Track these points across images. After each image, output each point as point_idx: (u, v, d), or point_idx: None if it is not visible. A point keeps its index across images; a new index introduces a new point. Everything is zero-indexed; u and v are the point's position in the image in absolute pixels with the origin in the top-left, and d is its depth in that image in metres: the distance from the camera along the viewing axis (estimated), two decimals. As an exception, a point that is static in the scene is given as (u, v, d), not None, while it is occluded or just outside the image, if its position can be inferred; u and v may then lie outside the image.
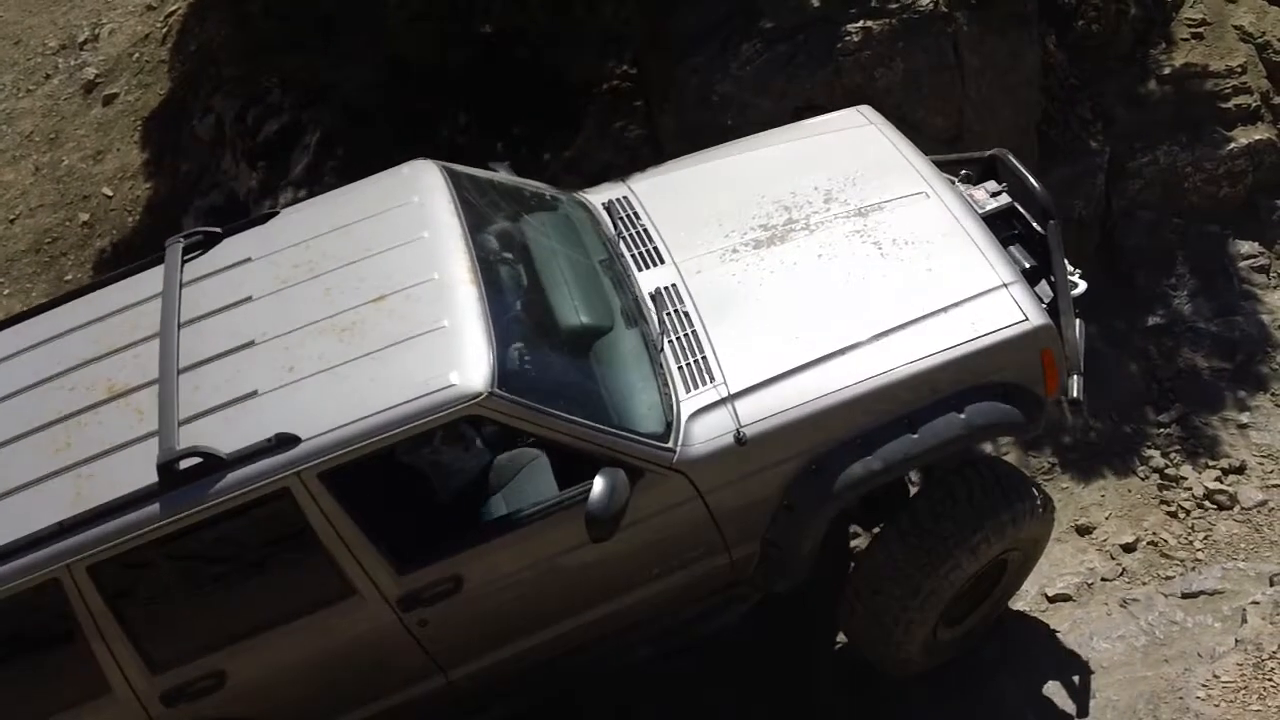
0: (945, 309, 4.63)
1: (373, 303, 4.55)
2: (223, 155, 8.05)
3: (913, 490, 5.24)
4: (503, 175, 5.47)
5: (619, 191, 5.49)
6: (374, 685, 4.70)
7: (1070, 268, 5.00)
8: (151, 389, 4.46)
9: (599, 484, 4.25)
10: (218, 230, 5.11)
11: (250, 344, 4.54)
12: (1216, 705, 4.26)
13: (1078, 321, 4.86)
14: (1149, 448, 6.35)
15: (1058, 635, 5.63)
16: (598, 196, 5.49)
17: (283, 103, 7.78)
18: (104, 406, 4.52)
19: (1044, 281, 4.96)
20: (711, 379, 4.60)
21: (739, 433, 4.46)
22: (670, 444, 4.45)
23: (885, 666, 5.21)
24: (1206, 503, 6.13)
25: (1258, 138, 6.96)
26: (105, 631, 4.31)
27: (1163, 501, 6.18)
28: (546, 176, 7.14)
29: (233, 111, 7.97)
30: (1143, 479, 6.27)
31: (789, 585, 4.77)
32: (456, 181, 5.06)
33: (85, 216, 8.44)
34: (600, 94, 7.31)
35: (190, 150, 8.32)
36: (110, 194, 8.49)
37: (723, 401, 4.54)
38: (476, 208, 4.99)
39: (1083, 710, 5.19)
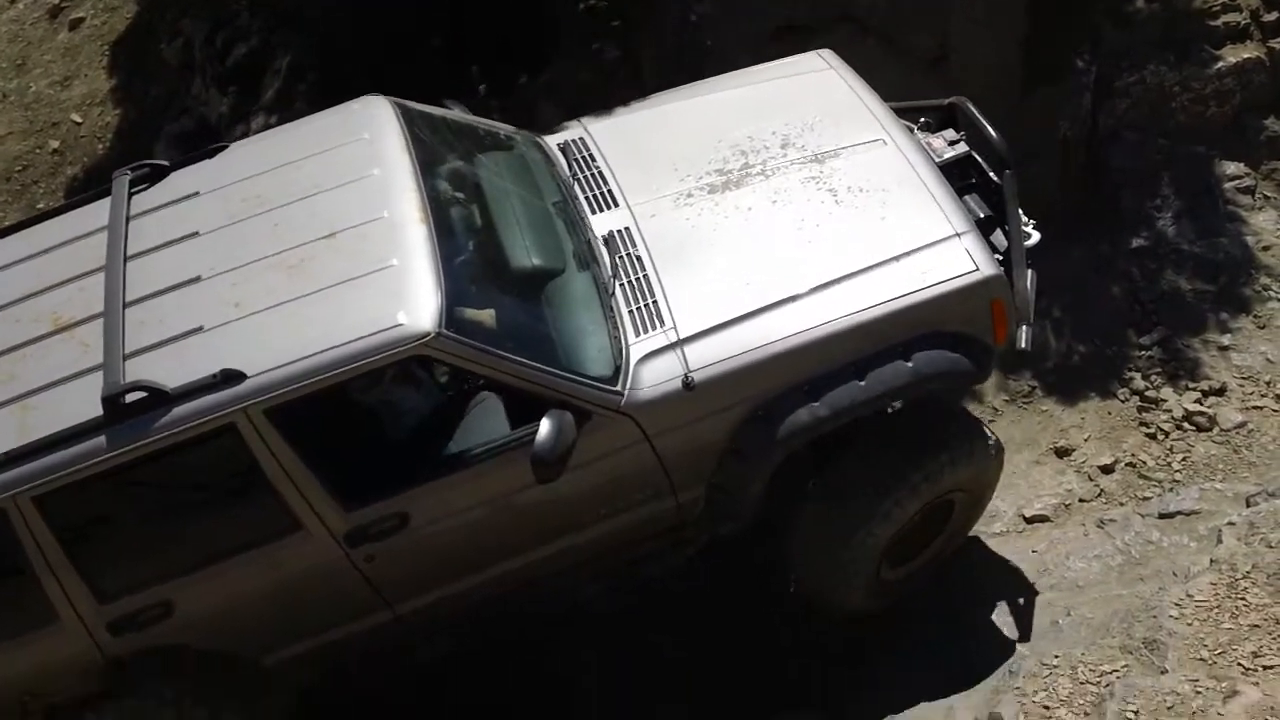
0: (897, 257, 4.62)
1: (321, 240, 4.51)
2: (192, 80, 7.94)
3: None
4: (457, 114, 5.40)
5: (575, 133, 5.43)
6: (321, 618, 4.73)
7: (1025, 218, 4.97)
8: (97, 322, 4.44)
9: (545, 426, 4.25)
10: (165, 164, 5.06)
11: (197, 279, 4.50)
12: (1189, 624, 4.27)
13: (1029, 272, 4.85)
14: (1130, 370, 6.33)
15: (1034, 554, 5.64)
16: (554, 138, 5.44)
17: (251, 25, 7.66)
18: (49, 339, 4.50)
19: (999, 230, 4.94)
20: (662, 323, 4.59)
21: (687, 378, 4.45)
22: (618, 387, 4.44)
23: (830, 607, 5.24)
24: (1186, 424, 6.12)
25: (1246, 56, 6.85)
26: (52, 561, 4.34)
27: (1142, 423, 6.17)
28: (523, 99, 7.03)
29: (201, 34, 7.85)
30: (1123, 401, 6.25)
31: (735, 529, 4.80)
32: (409, 119, 5.00)
33: (55, 144, 8.34)
34: (577, 14, 7.16)
35: (159, 75, 8.21)
36: (79, 120, 8.37)
37: (672, 346, 4.53)
38: (429, 146, 4.94)
39: (1056, 627, 5.20)
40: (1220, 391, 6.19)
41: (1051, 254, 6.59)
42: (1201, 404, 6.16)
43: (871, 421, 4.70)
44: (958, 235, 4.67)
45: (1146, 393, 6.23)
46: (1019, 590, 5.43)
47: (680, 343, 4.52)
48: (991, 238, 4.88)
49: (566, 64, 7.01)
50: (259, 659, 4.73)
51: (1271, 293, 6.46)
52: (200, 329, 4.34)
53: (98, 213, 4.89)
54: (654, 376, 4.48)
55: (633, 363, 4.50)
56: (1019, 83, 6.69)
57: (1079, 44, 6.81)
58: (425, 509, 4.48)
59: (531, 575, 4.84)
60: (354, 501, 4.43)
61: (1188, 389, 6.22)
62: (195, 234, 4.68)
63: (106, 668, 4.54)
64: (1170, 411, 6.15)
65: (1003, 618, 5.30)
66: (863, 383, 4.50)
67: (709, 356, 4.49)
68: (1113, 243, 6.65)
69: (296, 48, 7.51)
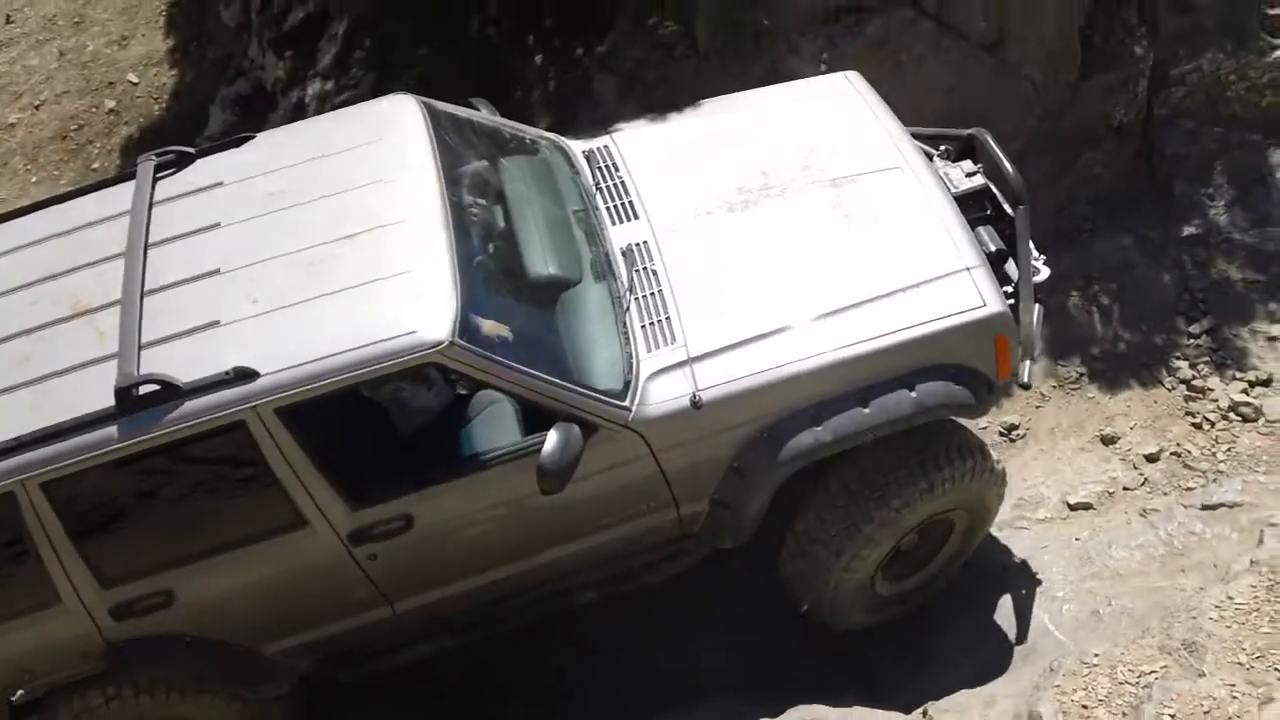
0: (906, 288, 4.65)
1: (342, 240, 4.54)
2: (249, 42, 7.95)
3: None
4: (483, 115, 5.42)
5: (601, 141, 5.44)
6: (321, 612, 4.83)
7: (1036, 253, 4.99)
8: (114, 310, 4.47)
9: (553, 438, 4.30)
10: (190, 150, 5.09)
11: (216, 272, 4.54)
12: (1228, 626, 4.32)
13: (1037, 307, 4.87)
14: (1177, 359, 6.35)
15: (1077, 541, 5.72)
16: (580, 144, 5.45)
17: (309, -12, 7.66)
18: (67, 323, 4.55)
19: (1012, 260, 4.95)
20: (673, 340, 4.62)
21: (695, 396, 4.50)
22: (627, 403, 4.49)
23: (823, 618, 5.30)
24: (1231, 414, 6.14)
25: (1304, 45, 6.80)
26: (57, 546, 4.42)
27: (1188, 413, 6.19)
28: (580, 71, 7.05)
29: (259, -2, 7.86)
30: (1169, 390, 6.29)
31: (735, 543, 4.86)
32: (435, 120, 5.02)
33: (111, 104, 8.40)
34: (635, -13, 7.15)
35: (216, 36, 8.23)
36: (135, 80, 8.43)
37: (682, 364, 4.57)
38: (453, 148, 4.96)
39: (1097, 617, 5.29)
40: (1267, 382, 6.20)
41: (1102, 240, 6.67)
42: (1248, 394, 6.18)
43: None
44: (968, 270, 4.68)
45: (1193, 382, 6.26)
46: (1060, 579, 5.51)
47: (690, 361, 4.57)
48: (1005, 267, 4.92)
49: (624, 37, 7.01)
50: (258, 648, 4.84)
51: (1323, 285, 6.47)
52: (217, 323, 4.38)
53: (121, 196, 4.92)
54: (663, 393, 4.53)
55: (642, 378, 4.54)
56: (1075, 68, 6.66)
57: (1136, 30, 6.78)
58: (430, 512, 4.55)
59: (532, 580, 4.92)
60: (360, 502, 4.50)
61: (1234, 379, 6.24)
62: (217, 225, 4.70)
63: (106, 651, 4.65)
64: (1216, 401, 6.18)
65: (1043, 607, 5.38)
66: (866, 410, 4.55)
67: (718, 377, 4.54)
68: (1164, 230, 6.65)
69: (354, 12, 7.54)
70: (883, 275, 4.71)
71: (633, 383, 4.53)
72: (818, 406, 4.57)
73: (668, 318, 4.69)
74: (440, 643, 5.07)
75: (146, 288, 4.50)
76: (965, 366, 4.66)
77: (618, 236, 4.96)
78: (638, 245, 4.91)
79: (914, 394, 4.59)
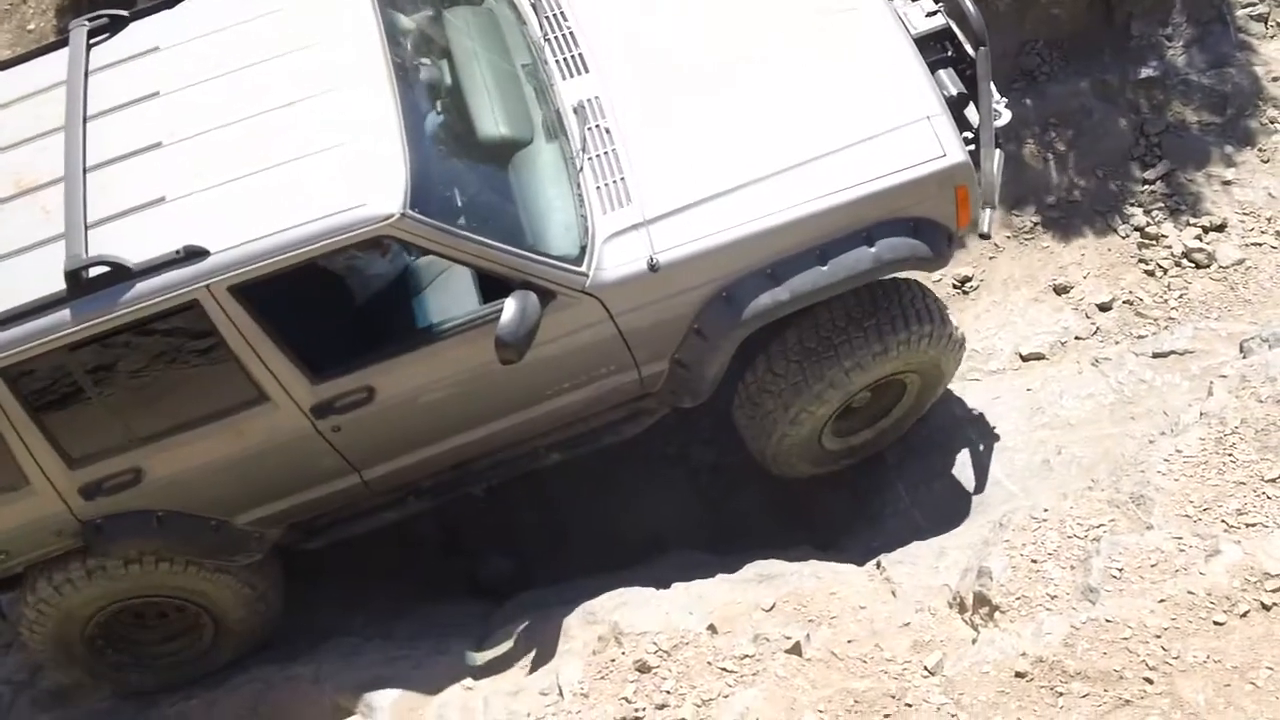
0: (864, 140, 4.57)
1: (285, 108, 4.43)
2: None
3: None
4: None
5: None
6: (291, 482, 4.84)
7: (997, 96, 4.87)
8: (58, 187, 4.38)
9: (510, 307, 4.25)
10: (124, 14, 4.91)
11: (158, 145, 4.44)
12: (1176, 479, 4.38)
13: (998, 153, 4.77)
14: (1132, 205, 6.34)
15: (1029, 391, 5.77)
16: None
17: None
18: (11, 202, 4.46)
19: (972, 104, 4.83)
20: (629, 201, 4.55)
21: (653, 259, 4.45)
22: (584, 268, 4.44)
23: (769, 466, 5.35)
24: (1184, 261, 6.17)
25: (1265, -120, 6.59)
26: (21, 430, 4.41)
27: (1141, 260, 6.21)
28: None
29: None
30: (1123, 237, 6.29)
31: (696, 402, 4.87)
32: None
33: (44, -43, 7.95)
34: None
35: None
36: (71, -68, 7.96)
37: (639, 226, 4.51)
38: (397, 3, 4.80)
39: (1047, 465, 5.37)
40: (1220, 228, 6.22)
41: (1058, 84, 6.56)
42: (1201, 240, 6.19)
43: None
44: (928, 119, 4.59)
45: (1147, 229, 6.25)
46: (1011, 430, 5.56)
47: (647, 223, 4.51)
48: (965, 111, 4.80)
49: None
50: (230, 519, 4.85)
51: (1277, 126, 6.41)
52: (163, 199, 4.30)
53: (55, 65, 4.76)
54: (620, 257, 4.48)
55: (599, 242, 4.48)
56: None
57: None
58: (391, 382, 4.53)
59: (497, 443, 4.92)
60: (320, 375, 4.47)
61: (1188, 225, 6.24)
62: (156, 94, 4.58)
63: (80, 529, 4.67)
64: (1170, 248, 6.19)
65: (994, 457, 5.44)
66: (825, 267, 4.52)
67: (675, 238, 4.48)
68: (1121, 73, 6.55)
69: None
70: (840, 127, 4.62)
71: (589, 247, 4.47)
72: (776, 265, 4.53)
73: (623, 178, 4.60)
74: (407, 508, 5.09)
75: (89, 163, 4.40)
76: (925, 219, 4.60)
77: (568, 92, 4.83)
78: (589, 101, 4.78)
79: (873, 249, 4.54)
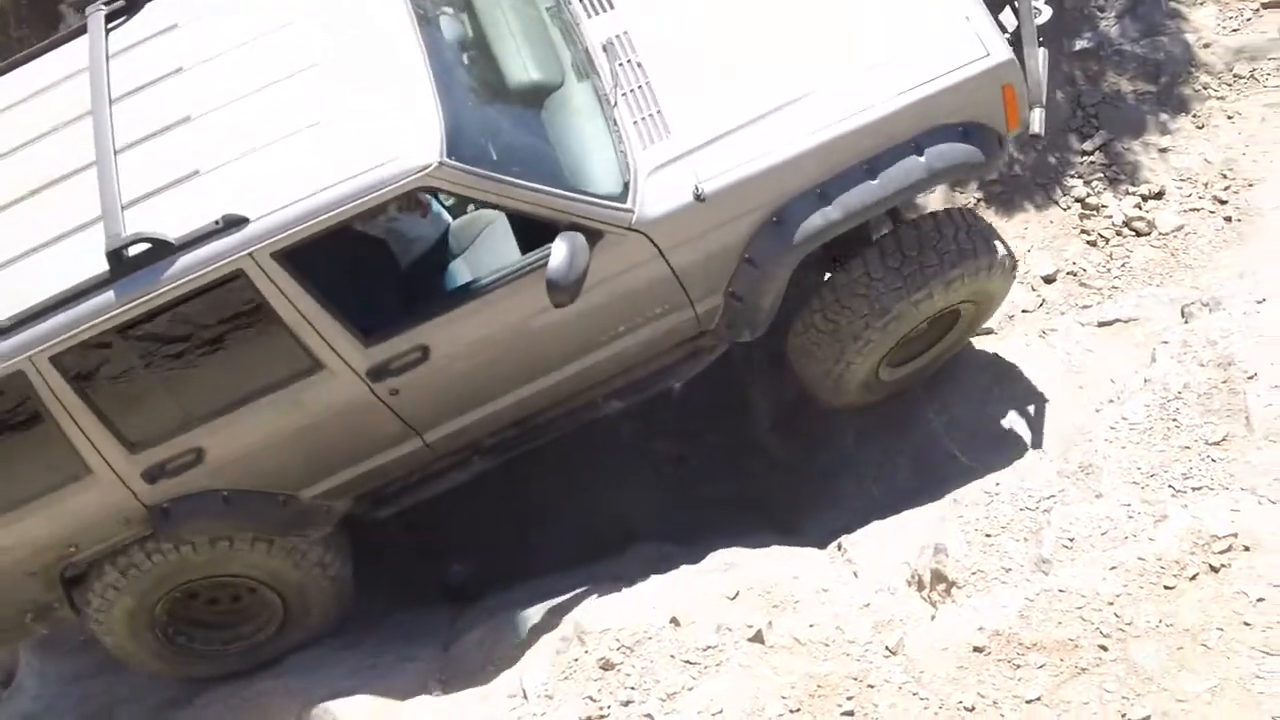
0: (904, 48, 4.49)
1: (309, 69, 4.38)
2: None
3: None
4: None
5: None
6: (353, 451, 4.80)
7: None
8: (90, 172, 4.34)
9: (558, 250, 4.20)
10: None
11: (186, 120, 4.40)
12: (1123, 447, 4.44)
13: (1042, 50, 4.70)
14: (1072, 177, 6.37)
15: (980, 368, 5.83)
16: None
17: None
18: (45, 191, 4.42)
19: (1008, 6, 4.77)
20: (668, 134, 4.49)
21: (698, 189, 4.40)
22: (628, 204, 4.38)
23: (822, 397, 5.32)
24: (1125, 230, 6.21)
25: None
26: (78, 417, 4.37)
27: (1083, 231, 6.25)
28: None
29: None
30: (1065, 209, 6.34)
31: (754, 335, 4.81)
32: None
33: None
34: None
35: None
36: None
37: (680, 157, 4.45)
38: None
39: (998, 439, 5.43)
40: (1159, 195, 6.26)
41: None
42: (1141, 209, 6.25)
43: (897, 224, 4.66)
44: (966, 19, 4.52)
45: (1088, 199, 6.30)
46: (961, 404, 5.64)
47: (688, 153, 4.45)
48: (1000, 15, 4.72)
49: None
50: (296, 493, 4.81)
51: (1210, 91, 6.46)
52: (196, 172, 4.27)
53: (76, 53, 4.72)
54: (664, 190, 4.42)
55: (641, 177, 4.43)
56: None
57: None
58: (445, 339, 4.48)
59: (556, 396, 4.87)
60: (373, 338, 4.42)
61: (1128, 194, 6.29)
62: (179, 70, 4.54)
63: (147, 514, 4.64)
64: (1110, 218, 6.25)
65: (947, 433, 5.53)
66: (875, 181, 4.45)
67: (719, 166, 4.42)
68: (1056, 46, 6.59)
69: None
70: (878, 36, 4.56)
71: (631, 183, 4.42)
72: (825, 184, 4.46)
73: (659, 111, 4.54)
74: (472, 468, 5.05)
75: (118, 145, 4.36)
76: (973, 123, 4.53)
77: (595, 30, 4.77)
78: (617, 37, 4.72)
79: (923, 159, 4.47)
